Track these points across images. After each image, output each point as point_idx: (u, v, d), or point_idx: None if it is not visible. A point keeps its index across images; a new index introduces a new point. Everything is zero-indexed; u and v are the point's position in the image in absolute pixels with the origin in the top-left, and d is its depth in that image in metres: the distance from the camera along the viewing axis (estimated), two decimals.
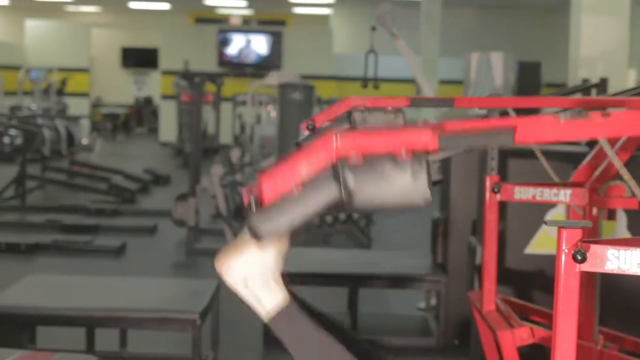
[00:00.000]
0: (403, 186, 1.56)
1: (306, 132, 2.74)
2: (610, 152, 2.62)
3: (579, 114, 1.69)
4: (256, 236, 1.55)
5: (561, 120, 1.63)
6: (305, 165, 1.59)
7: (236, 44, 20.14)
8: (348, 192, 1.55)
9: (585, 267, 1.59)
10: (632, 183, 1.81)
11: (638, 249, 1.56)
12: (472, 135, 1.59)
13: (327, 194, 1.57)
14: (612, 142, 3.05)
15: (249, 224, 1.55)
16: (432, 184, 3.81)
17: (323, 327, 1.70)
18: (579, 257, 1.58)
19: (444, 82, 17.24)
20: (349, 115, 2.75)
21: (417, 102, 2.49)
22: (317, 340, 1.68)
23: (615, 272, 1.58)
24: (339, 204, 1.57)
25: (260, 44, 20.18)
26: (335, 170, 1.56)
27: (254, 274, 1.61)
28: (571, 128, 1.66)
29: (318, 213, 1.57)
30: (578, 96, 5.09)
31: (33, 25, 21.52)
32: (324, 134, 1.60)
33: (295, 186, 1.55)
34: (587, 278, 2.98)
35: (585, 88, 4.87)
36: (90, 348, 4.49)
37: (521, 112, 3.39)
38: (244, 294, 1.64)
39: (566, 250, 1.59)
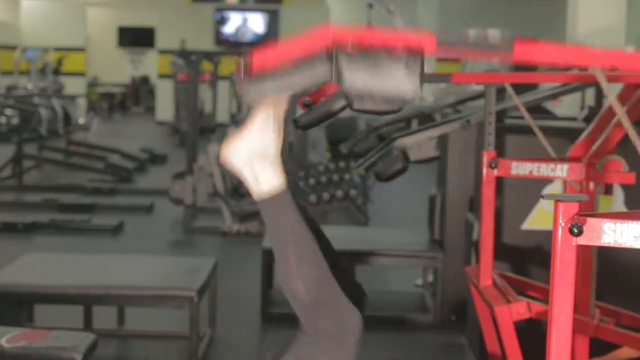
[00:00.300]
0: (395, 76, 1.57)
1: (303, 109, 2.74)
2: (620, 110, 2.61)
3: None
4: (244, 98, 1.63)
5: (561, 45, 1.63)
6: (299, 45, 1.60)
7: (233, 23, 20.07)
8: (338, 71, 1.56)
9: (582, 240, 1.59)
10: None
11: (634, 222, 1.56)
12: (470, 42, 1.58)
13: (317, 72, 1.59)
14: (611, 116, 3.05)
15: (238, 89, 1.63)
16: (429, 160, 3.78)
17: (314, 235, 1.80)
18: (576, 231, 1.58)
19: (441, 60, 17.19)
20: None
21: None
22: (298, 233, 1.77)
23: (611, 245, 1.58)
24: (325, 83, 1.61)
25: (257, 23, 20.11)
26: (329, 55, 1.57)
27: (257, 154, 1.71)
28: (569, 53, 1.66)
29: (304, 88, 1.61)
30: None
31: (29, 5, 21.40)
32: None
33: (287, 61, 1.60)
34: (584, 252, 2.99)
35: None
36: (87, 326, 4.50)
37: (518, 87, 3.39)
38: (244, 173, 1.73)
39: (563, 224, 1.59)
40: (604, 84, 1.88)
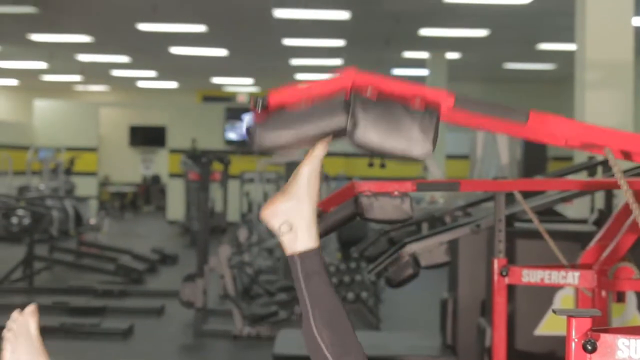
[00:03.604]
0: (409, 133, 1.55)
1: None
2: (633, 204, 2.62)
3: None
4: (257, 145, 1.61)
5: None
6: (319, 86, 1.60)
7: (243, 122, 20.26)
8: (354, 122, 1.56)
9: (596, 357, 1.58)
10: None
11: None
12: (486, 107, 1.60)
13: (332, 119, 1.59)
14: (623, 217, 3.05)
15: (251, 134, 1.62)
16: (440, 265, 3.77)
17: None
18: (590, 347, 1.57)
19: (450, 157, 17.30)
20: (355, 199, 2.76)
21: (423, 186, 2.51)
22: (331, 295, 1.77)
23: None
24: (340, 133, 1.59)
25: None
26: (347, 102, 1.57)
27: (296, 217, 1.74)
28: (584, 130, 1.68)
29: (318, 136, 1.59)
30: (584, 174, 5.10)
31: (41, 105, 21.64)
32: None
33: (304, 101, 1.60)
34: None
35: (591, 166, 4.88)
36: None
37: (526, 194, 3.40)
38: (281, 233, 1.75)
39: (576, 340, 1.58)
40: (615, 168, 1.88)
